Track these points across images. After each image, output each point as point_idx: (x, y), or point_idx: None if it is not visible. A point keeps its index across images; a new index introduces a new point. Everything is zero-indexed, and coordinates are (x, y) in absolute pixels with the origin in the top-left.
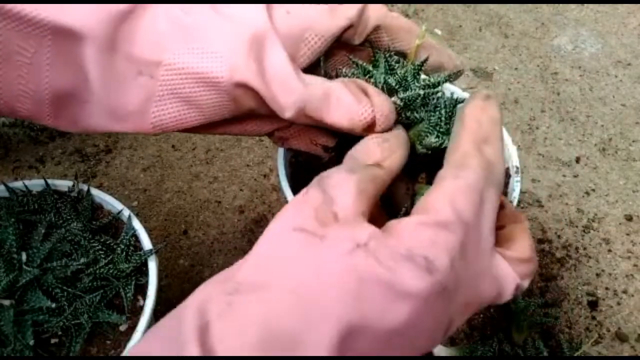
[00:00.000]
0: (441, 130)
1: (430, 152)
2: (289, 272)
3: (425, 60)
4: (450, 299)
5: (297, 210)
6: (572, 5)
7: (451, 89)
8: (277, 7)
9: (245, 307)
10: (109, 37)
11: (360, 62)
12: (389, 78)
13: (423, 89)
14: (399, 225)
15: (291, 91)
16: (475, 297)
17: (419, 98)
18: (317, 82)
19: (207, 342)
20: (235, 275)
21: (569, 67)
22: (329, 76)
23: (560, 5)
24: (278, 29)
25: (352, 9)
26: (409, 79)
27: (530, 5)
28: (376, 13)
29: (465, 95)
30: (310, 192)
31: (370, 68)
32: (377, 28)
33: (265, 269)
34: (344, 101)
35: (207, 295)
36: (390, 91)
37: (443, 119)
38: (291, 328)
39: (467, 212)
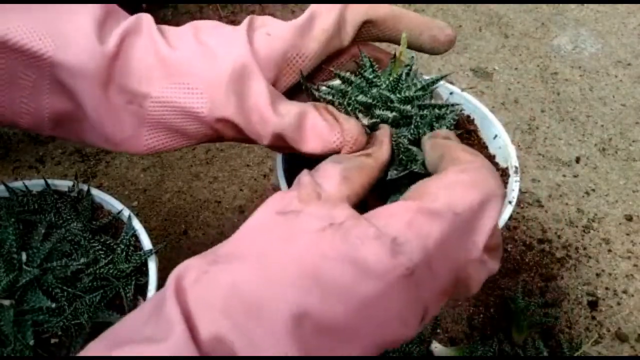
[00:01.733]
0: (402, 160)
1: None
2: (261, 244)
3: (407, 71)
4: (421, 286)
5: (283, 195)
6: (572, 5)
7: (450, 89)
8: (258, 29)
9: (218, 274)
10: (104, 73)
11: (343, 74)
12: (362, 97)
13: (401, 103)
14: (384, 208)
15: (267, 123)
16: (456, 289)
17: (389, 120)
18: (292, 112)
19: (183, 302)
20: (216, 251)
21: (569, 67)
22: (311, 93)
23: (560, 5)
24: (259, 54)
25: (328, 20)
26: (386, 93)
27: (530, 5)
28: (355, 12)
29: (464, 95)
30: (301, 180)
31: (353, 79)
32: (363, 24)
33: (243, 243)
34: (317, 129)
35: (187, 265)
36: (367, 108)
37: (404, 144)
38: (254, 294)
39: (461, 205)
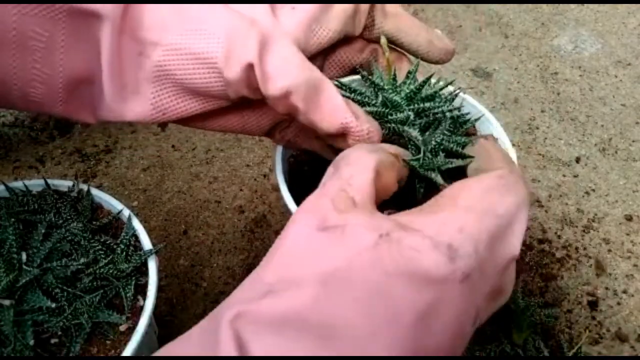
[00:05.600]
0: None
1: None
2: (317, 266)
3: (428, 79)
4: (475, 288)
5: (316, 206)
6: (572, 5)
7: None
8: (281, 6)
9: (276, 305)
10: (121, 18)
11: (374, 80)
12: (394, 95)
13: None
14: (427, 215)
15: (284, 72)
16: (499, 290)
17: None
18: (315, 72)
19: (240, 342)
20: (262, 278)
21: (569, 67)
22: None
23: (560, 5)
24: (285, 25)
25: (346, 4)
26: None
27: (530, 5)
28: (366, 4)
29: (463, 95)
30: (327, 183)
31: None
32: (370, 10)
33: (293, 266)
34: (333, 101)
35: (233, 302)
36: (395, 107)
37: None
38: (325, 320)
39: (500, 208)
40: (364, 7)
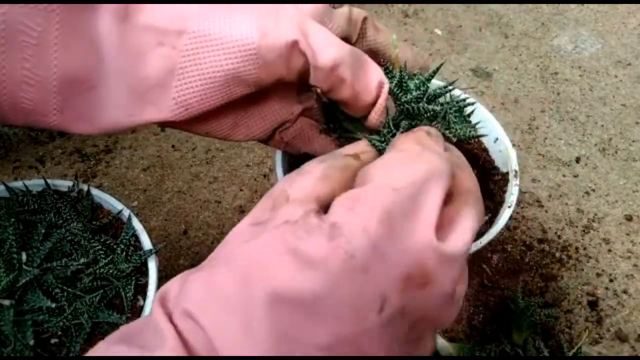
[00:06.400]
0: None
1: None
2: (233, 251)
3: (435, 71)
4: (371, 271)
5: (261, 205)
6: (572, 5)
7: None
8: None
9: (194, 280)
10: (123, 9)
11: (389, 65)
12: (409, 82)
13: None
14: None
15: (330, 45)
16: (423, 277)
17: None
18: (348, 46)
19: (168, 311)
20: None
21: (569, 67)
22: None
23: (560, 5)
24: (304, 10)
25: (343, 7)
26: (421, 88)
27: (530, 5)
28: (358, 10)
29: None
30: (276, 185)
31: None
32: (363, 22)
33: (218, 253)
34: (374, 68)
35: (171, 280)
36: (406, 92)
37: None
38: (228, 294)
39: (400, 180)
40: (357, 15)
